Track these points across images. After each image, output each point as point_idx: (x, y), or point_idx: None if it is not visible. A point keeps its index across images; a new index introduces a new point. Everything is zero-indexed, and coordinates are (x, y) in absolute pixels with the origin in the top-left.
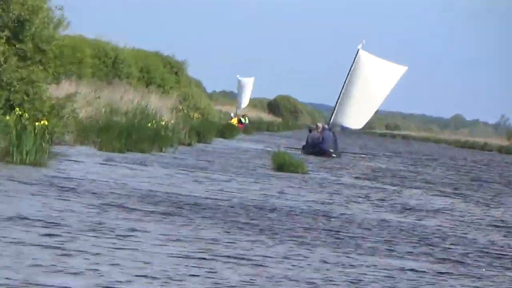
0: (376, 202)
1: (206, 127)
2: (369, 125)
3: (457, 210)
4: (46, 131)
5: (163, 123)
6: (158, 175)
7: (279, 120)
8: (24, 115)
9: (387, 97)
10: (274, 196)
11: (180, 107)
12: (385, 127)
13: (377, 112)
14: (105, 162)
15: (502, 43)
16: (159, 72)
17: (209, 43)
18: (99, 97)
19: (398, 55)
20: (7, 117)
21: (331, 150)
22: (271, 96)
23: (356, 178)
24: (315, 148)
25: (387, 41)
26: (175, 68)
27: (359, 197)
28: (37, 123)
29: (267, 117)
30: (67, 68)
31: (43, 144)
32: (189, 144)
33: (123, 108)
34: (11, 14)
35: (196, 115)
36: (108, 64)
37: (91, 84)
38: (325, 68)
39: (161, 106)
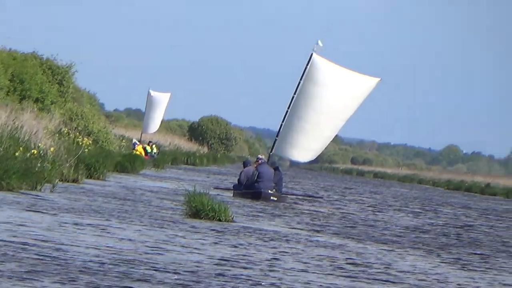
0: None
1: (100, 158)
2: (329, 159)
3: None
4: None
5: (39, 151)
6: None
7: (205, 149)
8: None
9: (348, 120)
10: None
11: (65, 130)
12: (351, 161)
13: (339, 141)
14: None
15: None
16: (37, 81)
17: (109, 43)
18: None
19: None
20: None
21: (270, 192)
22: (194, 117)
23: (292, 228)
24: (249, 188)
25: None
26: (58, 76)
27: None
28: None
29: (187, 145)
30: None
31: None
32: (75, 181)
33: None
34: None
35: (86, 141)
36: None
37: None
38: (270, 82)
39: (38, 128)
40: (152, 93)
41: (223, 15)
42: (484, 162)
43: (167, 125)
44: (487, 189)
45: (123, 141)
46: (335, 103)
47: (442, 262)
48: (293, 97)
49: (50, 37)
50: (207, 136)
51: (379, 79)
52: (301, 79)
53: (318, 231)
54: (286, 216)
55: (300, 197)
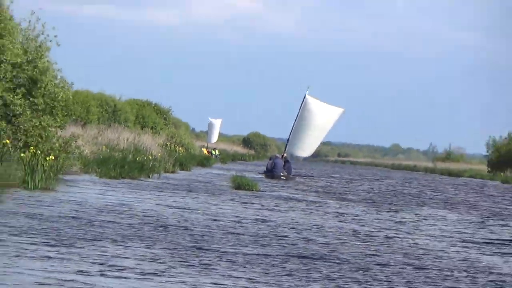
0: (302, 209)
1: (188, 158)
2: (324, 154)
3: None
4: (56, 164)
5: (150, 156)
6: (135, 194)
7: (252, 152)
8: (36, 152)
9: (330, 132)
10: (225, 208)
11: (168, 144)
12: (337, 155)
13: (330, 144)
14: (101, 187)
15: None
16: (151, 117)
17: (196, 91)
18: (99, 137)
19: (355, 96)
20: (22, 154)
21: (281, 174)
22: (245, 133)
23: (293, 193)
24: (270, 172)
25: (334, 85)
26: (163, 114)
27: (288, 205)
28: (47, 158)
29: (242, 150)
30: (72, 117)
31: (51, 174)
32: (173, 172)
33: (120, 146)
34: (24, 74)
35: (181, 149)
36: (109, 112)
37: (96, 127)
38: (287, 108)
39: (152, 143)
40: (210, 119)
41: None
42: (414, 152)
43: (230, 138)
44: (414, 168)
45: (203, 148)
46: (319, 122)
47: (376, 211)
48: (295, 119)
49: (159, 90)
50: (253, 144)
51: (343, 109)
52: (300, 108)
53: (312, 194)
54: (292, 187)
55: (302, 177)
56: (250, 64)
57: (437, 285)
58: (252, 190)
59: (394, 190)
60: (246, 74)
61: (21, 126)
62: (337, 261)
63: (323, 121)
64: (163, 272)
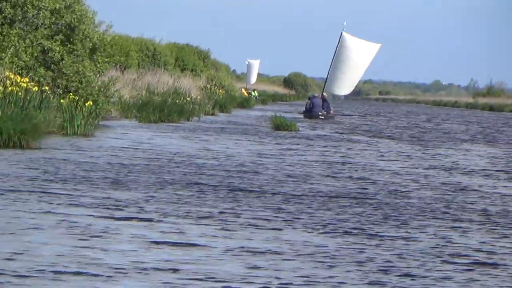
0: (337, 147)
1: (227, 100)
2: (366, 92)
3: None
4: (95, 109)
5: (189, 99)
6: (175, 138)
7: (293, 92)
8: (75, 98)
9: (371, 70)
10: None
11: (208, 86)
12: (379, 93)
13: (371, 82)
14: (139, 131)
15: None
16: (191, 59)
17: (236, 33)
18: (138, 81)
19: (392, 32)
20: (62, 101)
21: (319, 113)
22: (286, 73)
23: (331, 132)
24: (308, 112)
25: (375, 21)
26: (202, 56)
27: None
28: (86, 103)
29: (282, 90)
30: (111, 62)
31: (90, 119)
32: (213, 114)
33: (159, 89)
34: (63, 21)
35: (221, 91)
36: (149, 56)
37: (135, 72)
38: (326, 47)
39: (192, 86)
40: (248, 60)
41: None
42: (455, 88)
43: (271, 79)
44: (455, 104)
45: (242, 89)
46: (357, 59)
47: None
48: (333, 57)
49: (200, 29)
50: (294, 84)
51: (380, 44)
52: (337, 47)
53: (350, 133)
54: (330, 126)
55: (340, 116)
56: (289, 4)
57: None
58: (291, 131)
59: (431, 126)
60: (286, 15)
61: (62, 71)
62: (364, 199)
63: (360, 57)
64: (212, 216)
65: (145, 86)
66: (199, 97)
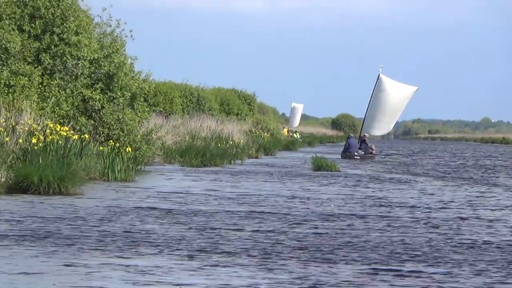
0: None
1: (272, 143)
2: (415, 132)
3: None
4: (137, 155)
5: (231, 142)
6: (213, 181)
7: (341, 133)
8: (116, 145)
9: (420, 109)
10: (299, 190)
11: (254, 130)
12: (428, 132)
13: (420, 121)
14: (180, 175)
15: None
16: (236, 104)
17: (282, 76)
18: (181, 127)
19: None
20: (101, 148)
21: (355, 153)
22: (335, 115)
23: (366, 171)
24: (344, 153)
25: (413, 62)
26: (247, 100)
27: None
28: (126, 150)
29: (330, 132)
30: (152, 111)
31: (130, 165)
32: (257, 157)
33: (203, 134)
34: (102, 70)
35: (266, 135)
36: (193, 101)
37: (180, 117)
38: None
39: (237, 130)
40: (293, 104)
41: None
42: (504, 125)
43: (319, 121)
44: (503, 140)
45: (284, 129)
46: (393, 101)
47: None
48: (370, 98)
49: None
50: (342, 125)
51: (417, 88)
52: (374, 89)
53: (389, 172)
54: (368, 166)
55: (382, 155)
56: (334, 45)
57: None
58: (332, 171)
59: (465, 163)
60: (332, 56)
61: (103, 119)
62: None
63: (397, 100)
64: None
65: (188, 132)
66: (242, 140)
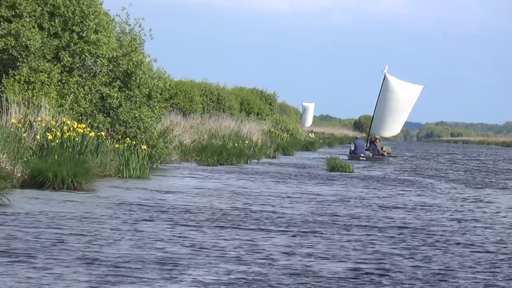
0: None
1: (290, 143)
2: (437, 134)
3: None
4: (153, 153)
5: (248, 142)
6: (227, 180)
7: (363, 134)
8: (132, 143)
9: (443, 111)
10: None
11: (273, 130)
12: (450, 135)
13: (443, 124)
14: (194, 173)
15: None
16: (256, 103)
17: (310, 77)
18: (200, 126)
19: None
20: (117, 145)
21: (361, 154)
22: (357, 116)
23: (383, 173)
24: (353, 153)
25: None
26: (268, 100)
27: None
28: (142, 147)
29: (352, 133)
30: (169, 106)
31: (145, 163)
32: (274, 157)
33: (221, 133)
34: (120, 68)
35: (285, 135)
36: (214, 100)
37: (199, 116)
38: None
39: (255, 130)
40: (303, 104)
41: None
42: None
43: (342, 122)
44: None
45: (313, 133)
46: (400, 101)
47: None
48: (377, 99)
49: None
50: (364, 126)
51: (423, 86)
52: (380, 89)
53: (395, 172)
54: (384, 168)
55: (393, 157)
56: (359, 46)
57: None
58: (346, 172)
59: (479, 168)
60: (358, 56)
61: (120, 117)
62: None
63: (404, 99)
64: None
65: (207, 131)
66: (260, 140)
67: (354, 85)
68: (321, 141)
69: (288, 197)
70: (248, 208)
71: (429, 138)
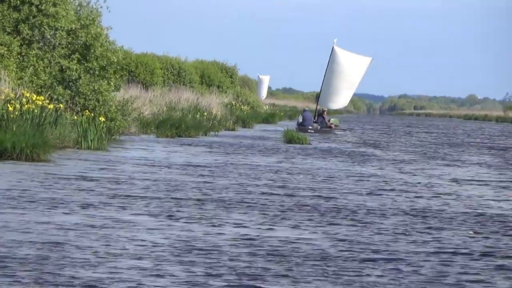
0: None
1: (250, 116)
2: (400, 107)
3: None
4: (111, 125)
5: (207, 114)
6: (186, 151)
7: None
8: (90, 115)
9: (406, 84)
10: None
11: (234, 103)
12: (413, 108)
13: (406, 96)
14: (151, 145)
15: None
16: (217, 76)
17: (270, 49)
18: (160, 98)
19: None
20: (76, 117)
21: (309, 127)
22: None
23: (340, 146)
24: (301, 126)
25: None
26: (229, 72)
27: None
28: (100, 119)
29: (314, 106)
30: (123, 75)
31: (103, 134)
32: (233, 129)
33: (180, 106)
34: (79, 41)
35: (246, 108)
36: (175, 73)
37: (159, 89)
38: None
39: (215, 103)
40: (259, 76)
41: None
42: (490, 103)
43: (305, 95)
44: (486, 117)
45: (273, 106)
46: (347, 73)
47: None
48: (325, 72)
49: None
50: None
51: (371, 58)
52: (329, 61)
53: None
54: (317, 139)
55: (335, 130)
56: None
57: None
58: (302, 144)
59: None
60: (323, 31)
61: (79, 89)
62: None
63: (352, 71)
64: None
65: (166, 103)
66: (219, 113)
67: (317, 59)
68: (282, 113)
69: (235, 168)
70: (195, 180)
71: (392, 111)
